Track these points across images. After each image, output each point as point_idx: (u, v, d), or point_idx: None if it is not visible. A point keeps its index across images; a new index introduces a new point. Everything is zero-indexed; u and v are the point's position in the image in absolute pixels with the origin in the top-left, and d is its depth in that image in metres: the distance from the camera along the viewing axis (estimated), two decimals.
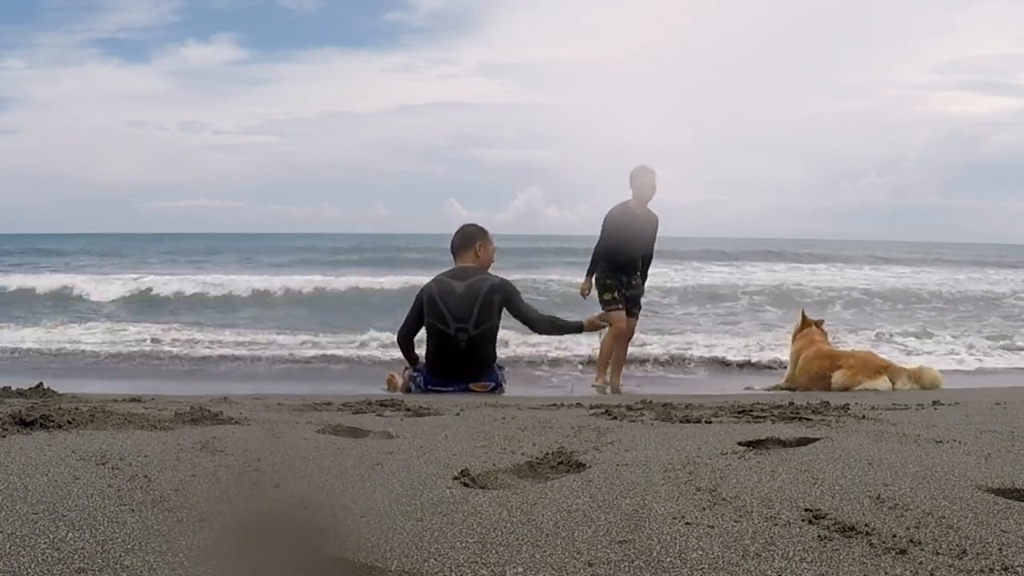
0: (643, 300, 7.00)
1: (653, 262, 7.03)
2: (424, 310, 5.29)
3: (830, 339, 6.35)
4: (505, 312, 5.32)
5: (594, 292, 6.72)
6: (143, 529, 1.73)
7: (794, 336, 6.15)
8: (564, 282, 16.72)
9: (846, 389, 5.39)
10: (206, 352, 9.09)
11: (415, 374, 5.45)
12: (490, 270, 5.49)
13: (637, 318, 6.87)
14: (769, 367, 7.99)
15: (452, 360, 5.22)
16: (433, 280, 5.39)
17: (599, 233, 6.67)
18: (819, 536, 1.69)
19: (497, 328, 5.33)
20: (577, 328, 5.61)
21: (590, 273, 6.75)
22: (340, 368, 8.34)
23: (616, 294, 6.58)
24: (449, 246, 5.55)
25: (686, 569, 1.55)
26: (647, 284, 7.13)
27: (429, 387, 5.28)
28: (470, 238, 5.44)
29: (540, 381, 7.43)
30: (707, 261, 28.18)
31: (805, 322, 6.16)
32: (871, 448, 2.54)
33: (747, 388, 6.20)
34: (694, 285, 17.37)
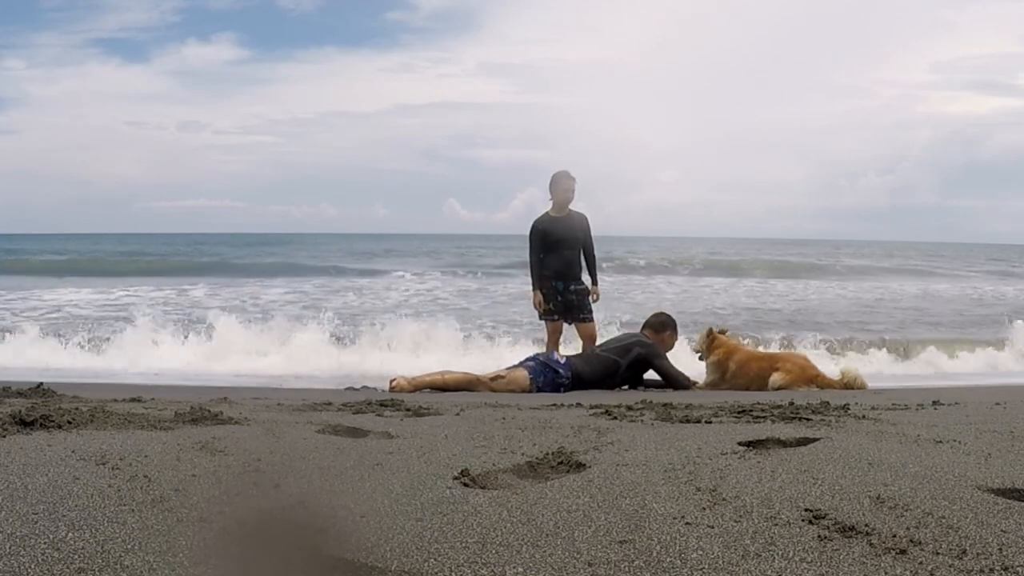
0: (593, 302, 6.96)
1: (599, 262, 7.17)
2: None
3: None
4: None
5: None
6: (143, 529, 1.73)
7: (707, 348, 6.32)
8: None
9: (781, 389, 5.57)
10: None
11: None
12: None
13: (590, 322, 6.85)
14: None
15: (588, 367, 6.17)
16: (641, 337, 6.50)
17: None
18: (819, 536, 1.69)
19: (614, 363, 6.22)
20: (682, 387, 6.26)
21: (536, 287, 6.89)
22: None
23: (552, 304, 6.79)
24: (655, 318, 6.70)
25: (686, 569, 1.55)
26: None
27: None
28: (666, 325, 6.60)
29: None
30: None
31: (712, 334, 6.35)
32: (871, 448, 2.54)
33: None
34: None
